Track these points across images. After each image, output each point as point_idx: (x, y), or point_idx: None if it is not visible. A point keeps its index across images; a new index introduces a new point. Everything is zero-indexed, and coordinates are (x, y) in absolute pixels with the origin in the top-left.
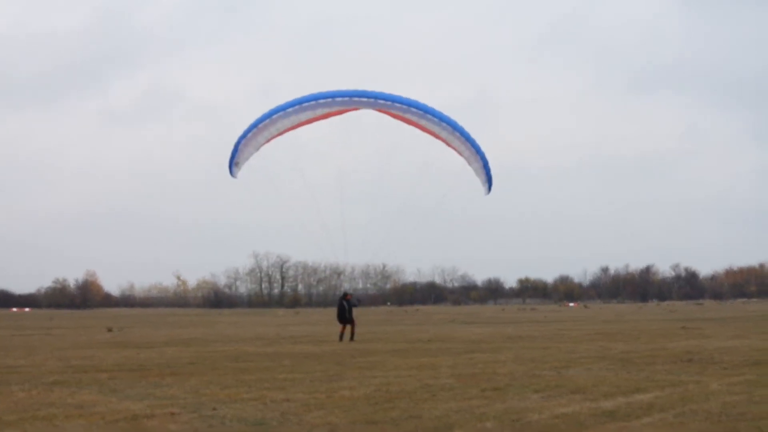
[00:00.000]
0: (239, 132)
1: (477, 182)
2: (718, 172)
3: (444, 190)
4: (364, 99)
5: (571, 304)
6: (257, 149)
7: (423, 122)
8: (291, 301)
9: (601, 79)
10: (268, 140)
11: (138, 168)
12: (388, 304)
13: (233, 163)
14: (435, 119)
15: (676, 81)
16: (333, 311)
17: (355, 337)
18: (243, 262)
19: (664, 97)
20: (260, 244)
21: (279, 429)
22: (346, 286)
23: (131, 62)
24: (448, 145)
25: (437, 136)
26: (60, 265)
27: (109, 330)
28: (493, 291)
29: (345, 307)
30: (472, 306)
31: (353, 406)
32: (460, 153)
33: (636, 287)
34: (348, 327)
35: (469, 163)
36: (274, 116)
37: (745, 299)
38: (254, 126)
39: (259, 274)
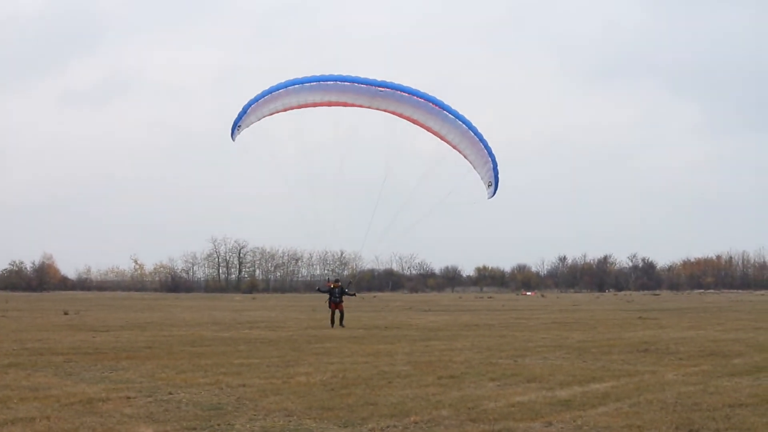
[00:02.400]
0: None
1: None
2: (675, 162)
3: (411, 180)
4: (384, 89)
5: (528, 293)
6: (259, 119)
7: (437, 122)
8: (248, 286)
9: (559, 67)
10: (272, 113)
11: (96, 151)
12: (345, 290)
13: (236, 126)
14: (450, 116)
15: (633, 70)
16: (291, 297)
17: (344, 325)
18: (201, 247)
19: (622, 87)
20: (218, 229)
21: (234, 414)
22: (343, 274)
23: (90, 45)
24: (454, 146)
25: (446, 137)
26: (16, 248)
27: (66, 313)
28: (450, 279)
29: (335, 294)
30: (430, 293)
31: (309, 392)
32: (465, 155)
33: (593, 277)
34: (338, 311)
35: (475, 167)
36: (289, 88)
37: (701, 290)
38: (266, 93)
39: (216, 259)
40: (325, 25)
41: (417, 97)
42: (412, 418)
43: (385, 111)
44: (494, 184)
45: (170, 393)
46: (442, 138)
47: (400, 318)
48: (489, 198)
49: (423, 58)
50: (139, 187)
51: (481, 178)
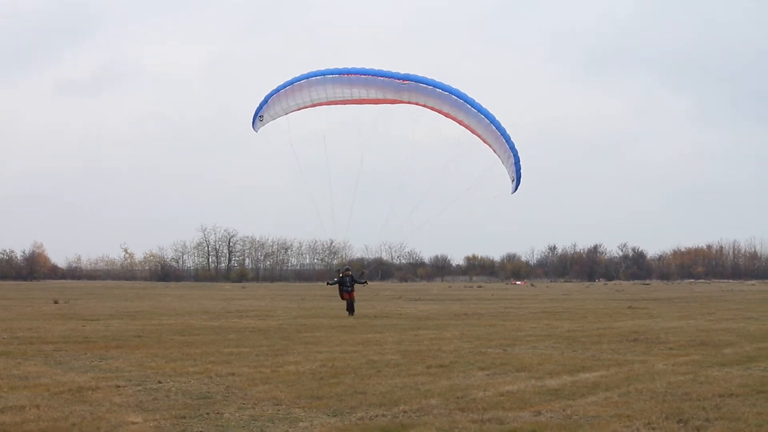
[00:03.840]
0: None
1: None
2: (667, 152)
3: (402, 169)
4: (408, 82)
5: (518, 282)
6: (285, 113)
7: (461, 114)
8: (238, 275)
9: (551, 58)
10: (299, 108)
11: (88, 140)
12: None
13: (257, 116)
14: (473, 110)
15: (625, 61)
16: (280, 286)
17: (355, 312)
18: (191, 236)
19: (614, 77)
20: (208, 218)
21: (224, 402)
22: (352, 260)
23: (85, 35)
24: (483, 140)
25: (473, 130)
26: (7, 237)
27: (56, 302)
28: (440, 268)
29: (346, 283)
30: (419, 283)
31: (298, 380)
32: (494, 150)
33: (583, 266)
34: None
35: (502, 161)
36: (312, 79)
37: (692, 280)
38: (288, 84)
39: (206, 248)
40: (318, 15)
41: (441, 89)
42: (401, 407)
43: (411, 103)
44: (516, 179)
45: (160, 382)
46: (470, 130)
47: (389, 307)
48: (512, 193)
49: (416, 49)
50: (130, 177)
51: (508, 173)
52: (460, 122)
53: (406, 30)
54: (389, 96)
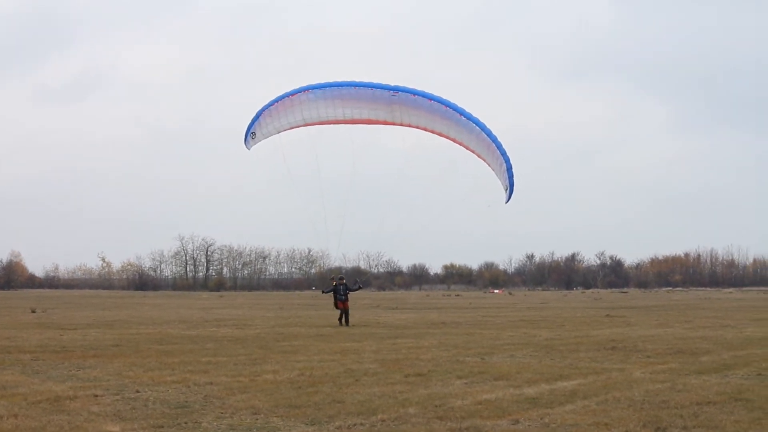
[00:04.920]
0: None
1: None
2: (645, 160)
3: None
4: (399, 94)
5: (496, 291)
6: (278, 131)
7: (452, 129)
8: (216, 284)
9: (530, 65)
10: (292, 127)
11: (66, 148)
12: (313, 288)
13: (249, 133)
14: (464, 119)
15: (603, 68)
16: (258, 295)
17: (351, 323)
18: (168, 245)
19: (591, 84)
20: (185, 227)
21: (202, 412)
22: (342, 271)
23: (65, 41)
24: (475, 152)
25: (466, 145)
26: None
27: (33, 311)
28: (418, 277)
29: (340, 292)
30: (397, 291)
31: (276, 389)
32: (485, 160)
33: (561, 275)
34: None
35: (493, 170)
36: (302, 95)
37: (669, 288)
38: (279, 99)
39: (184, 257)
40: (296, 23)
41: (432, 100)
42: (379, 416)
43: (403, 125)
44: (510, 187)
45: (137, 391)
46: (464, 146)
47: (367, 316)
48: (506, 202)
49: (395, 57)
50: (107, 185)
51: (501, 182)
52: (452, 139)
53: (385, 37)
54: (381, 116)
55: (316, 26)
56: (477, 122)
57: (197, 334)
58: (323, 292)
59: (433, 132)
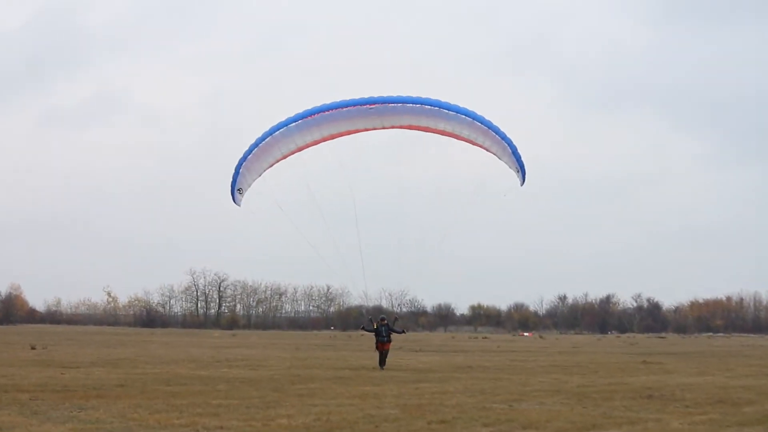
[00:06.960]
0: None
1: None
2: (683, 197)
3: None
4: (376, 105)
5: (526, 334)
6: (260, 174)
7: (440, 123)
8: (228, 322)
9: (563, 98)
10: (271, 165)
11: (73, 175)
12: (332, 328)
13: (235, 190)
14: (452, 113)
15: (641, 102)
16: (273, 334)
17: (385, 366)
18: (178, 280)
19: (628, 119)
20: (197, 261)
21: None
22: (383, 312)
23: (75, 64)
24: (472, 141)
25: (457, 135)
26: None
27: (33, 348)
28: (443, 317)
29: (382, 333)
30: (421, 333)
31: None
32: (486, 148)
33: (595, 317)
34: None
35: (499, 157)
36: (276, 134)
37: (710, 333)
38: (254, 147)
39: (195, 293)
40: (314, 46)
41: (412, 104)
42: None
43: (386, 128)
44: (521, 169)
45: None
46: (456, 137)
47: (389, 358)
48: (521, 185)
49: (421, 84)
50: (114, 216)
51: (509, 167)
52: (440, 132)
53: (411, 65)
54: (361, 125)
55: (335, 49)
56: (466, 112)
57: (208, 374)
58: (363, 328)
59: (418, 128)
